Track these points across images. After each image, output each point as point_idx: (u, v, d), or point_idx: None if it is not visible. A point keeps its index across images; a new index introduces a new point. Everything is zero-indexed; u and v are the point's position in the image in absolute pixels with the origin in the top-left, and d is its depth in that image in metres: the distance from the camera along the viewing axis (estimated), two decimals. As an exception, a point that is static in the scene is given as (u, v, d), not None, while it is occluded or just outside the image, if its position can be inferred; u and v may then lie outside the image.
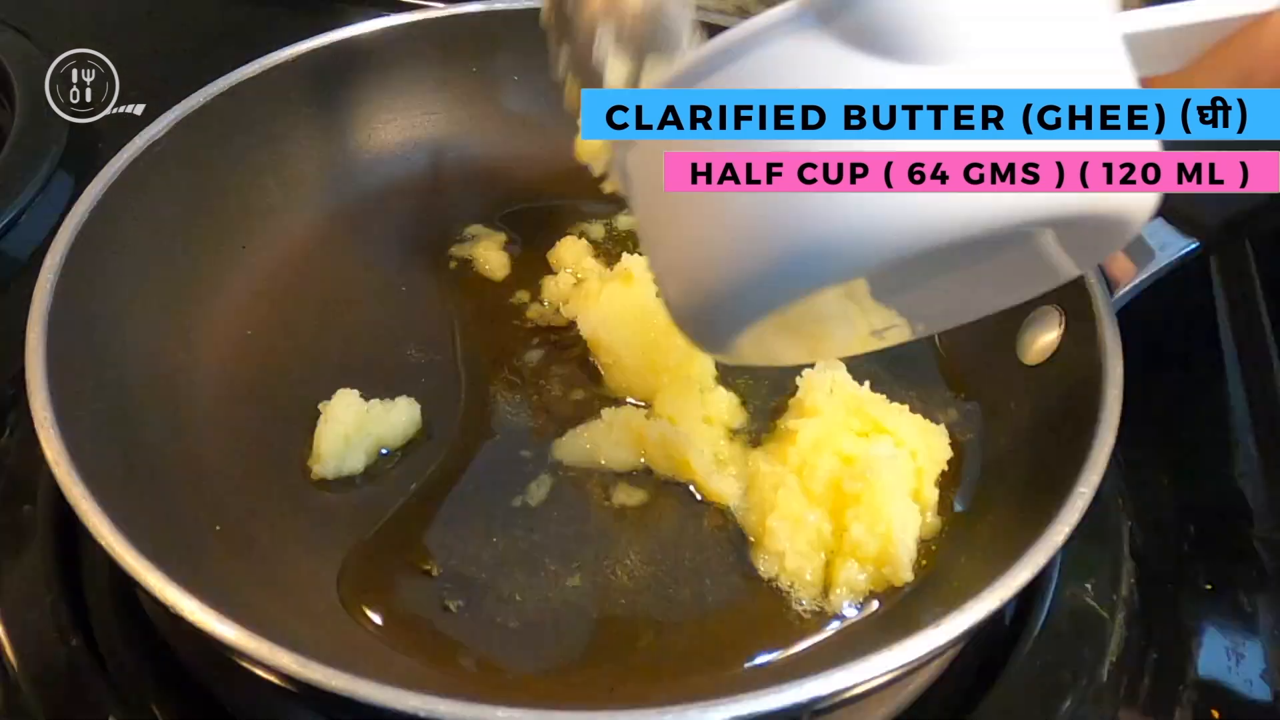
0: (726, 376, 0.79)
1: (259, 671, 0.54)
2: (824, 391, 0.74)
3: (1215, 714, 0.68)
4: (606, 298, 0.78)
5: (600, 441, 0.74)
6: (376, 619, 0.66)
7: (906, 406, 0.74)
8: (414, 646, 0.64)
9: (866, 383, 0.75)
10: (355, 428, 0.72)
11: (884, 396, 0.74)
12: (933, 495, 0.71)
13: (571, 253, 0.87)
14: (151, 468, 0.69)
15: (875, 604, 0.67)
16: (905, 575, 0.67)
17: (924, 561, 0.69)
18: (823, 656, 0.65)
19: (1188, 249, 0.75)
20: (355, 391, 0.74)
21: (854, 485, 0.67)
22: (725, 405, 0.77)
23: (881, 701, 0.65)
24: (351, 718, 0.57)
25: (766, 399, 0.78)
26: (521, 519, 0.71)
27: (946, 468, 0.72)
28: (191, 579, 0.56)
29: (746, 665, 0.65)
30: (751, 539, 0.70)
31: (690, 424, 0.74)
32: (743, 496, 0.72)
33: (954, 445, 0.75)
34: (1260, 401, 0.85)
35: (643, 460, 0.74)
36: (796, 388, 0.76)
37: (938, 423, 0.75)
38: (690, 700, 0.52)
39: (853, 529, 0.67)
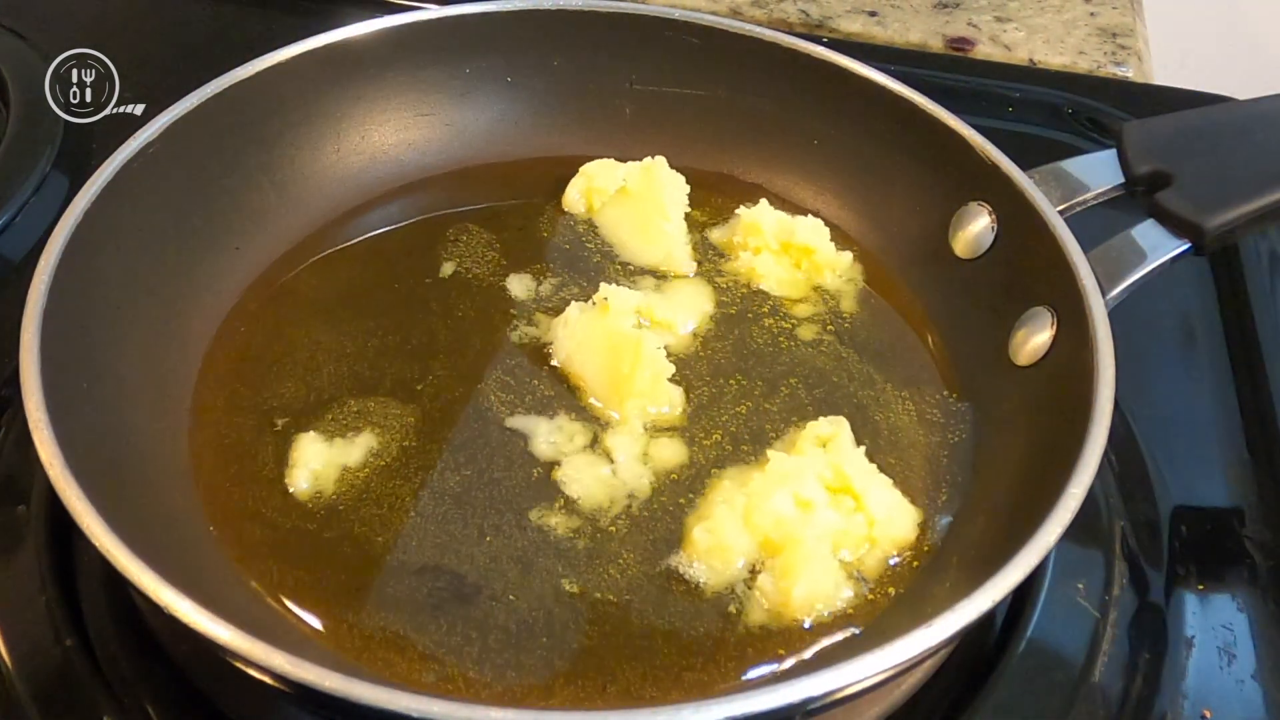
0: (700, 412, 0.78)
1: (253, 672, 0.54)
2: (817, 439, 0.72)
3: (1207, 714, 0.68)
4: (580, 326, 0.78)
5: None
6: (369, 619, 0.65)
7: (891, 481, 0.72)
8: (409, 647, 0.64)
9: (863, 446, 0.72)
10: (323, 463, 0.72)
11: (875, 467, 0.72)
12: (876, 569, 0.69)
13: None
14: (145, 469, 0.69)
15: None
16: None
17: (915, 563, 0.69)
18: (818, 658, 0.65)
19: (1179, 250, 0.76)
20: (312, 433, 0.74)
21: (779, 534, 0.67)
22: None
23: (874, 701, 0.66)
24: (345, 719, 0.57)
25: (749, 429, 0.77)
26: (514, 518, 0.71)
27: (910, 554, 0.70)
28: (186, 580, 0.56)
29: (742, 665, 0.65)
30: (680, 536, 0.70)
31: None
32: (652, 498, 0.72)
33: (946, 446, 0.75)
34: (1251, 402, 0.85)
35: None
36: (804, 422, 0.75)
37: (932, 420, 0.76)
38: (685, 700, 0.52)
39: (761, 578, 0.67)
